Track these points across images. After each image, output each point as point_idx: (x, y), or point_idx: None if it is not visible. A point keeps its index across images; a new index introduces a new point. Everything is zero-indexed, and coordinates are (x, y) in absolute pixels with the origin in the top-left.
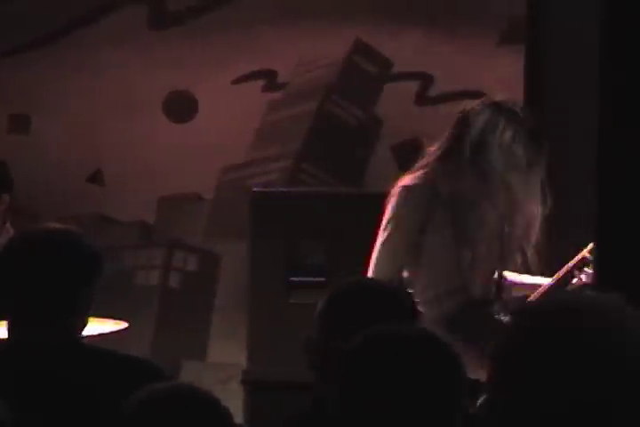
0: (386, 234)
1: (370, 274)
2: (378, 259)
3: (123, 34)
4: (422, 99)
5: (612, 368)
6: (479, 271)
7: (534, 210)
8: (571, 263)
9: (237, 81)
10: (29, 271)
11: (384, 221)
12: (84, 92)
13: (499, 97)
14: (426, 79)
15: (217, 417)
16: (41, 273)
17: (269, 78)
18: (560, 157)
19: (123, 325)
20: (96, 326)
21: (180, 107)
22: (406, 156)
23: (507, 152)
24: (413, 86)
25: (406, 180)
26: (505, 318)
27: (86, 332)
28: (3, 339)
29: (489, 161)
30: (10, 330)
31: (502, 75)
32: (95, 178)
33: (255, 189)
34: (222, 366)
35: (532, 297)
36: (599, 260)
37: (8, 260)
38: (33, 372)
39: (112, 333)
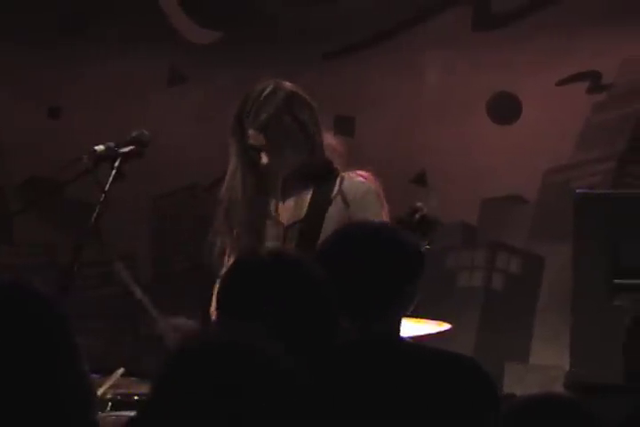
0: None
1: None
2: None
3: (447, 35)
4: None
5: None
6: None
7: None
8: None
9: (562, 82)
10: (353, 266)
11: None
12: (408, 92)
13: None
14: None
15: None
16: (365, 268)
17: (594, 79)
18: None
19: (445, 326)
20: (419, 327)
21: (505, 108)
22: None
23: None
24: None
25: None
26: None
27: (411, 332)
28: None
29: None
30: None
31: None
32: (419, 179)
33: (579, 191)
34: (545, 369)
35: None
36: None
37: (329, 255)
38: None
39: (435, 334)
